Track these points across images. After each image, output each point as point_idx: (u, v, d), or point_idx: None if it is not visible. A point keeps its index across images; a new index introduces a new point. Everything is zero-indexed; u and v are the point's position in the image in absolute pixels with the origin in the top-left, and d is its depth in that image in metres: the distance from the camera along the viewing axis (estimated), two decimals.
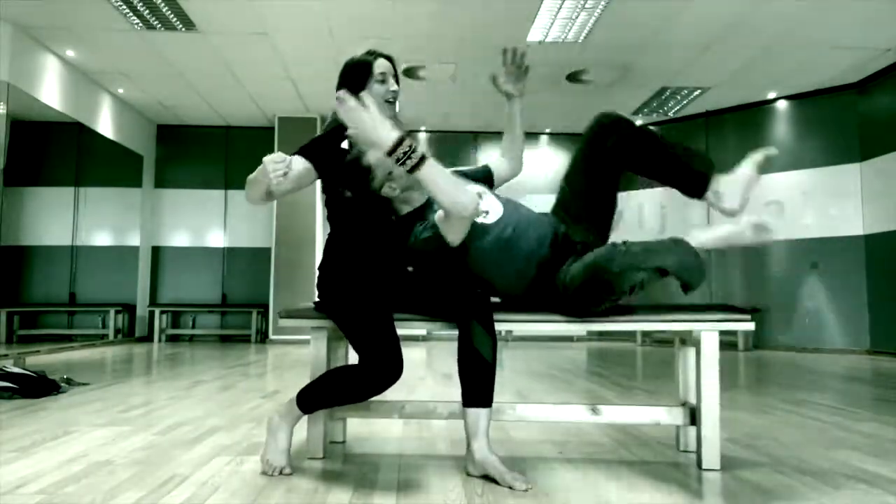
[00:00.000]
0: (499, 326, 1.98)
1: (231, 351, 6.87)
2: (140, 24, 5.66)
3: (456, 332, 1.92)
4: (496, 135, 8.90)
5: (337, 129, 2.01)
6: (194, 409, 2.99)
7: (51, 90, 6.35)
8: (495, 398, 1.88)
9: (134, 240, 8.53)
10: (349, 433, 2.38)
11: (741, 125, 7.76)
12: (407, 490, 1.69)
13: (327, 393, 1.95)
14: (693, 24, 5.59)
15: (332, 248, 2.10)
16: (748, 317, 2.00)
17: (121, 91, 7.53)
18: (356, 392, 1.91)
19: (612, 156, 1.96)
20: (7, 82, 5.67)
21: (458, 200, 1.72)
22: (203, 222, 8.94)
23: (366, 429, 2.53)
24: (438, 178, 1.71)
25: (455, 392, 1.96)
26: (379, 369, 1.84)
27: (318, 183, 2.08)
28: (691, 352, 2.08)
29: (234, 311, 8.72)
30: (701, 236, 1.85)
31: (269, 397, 3.40)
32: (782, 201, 7.37)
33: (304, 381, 2.01)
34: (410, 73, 6.84)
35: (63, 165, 8.35)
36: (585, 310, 1.96)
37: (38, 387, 3.33)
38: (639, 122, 8.47)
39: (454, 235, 1.82)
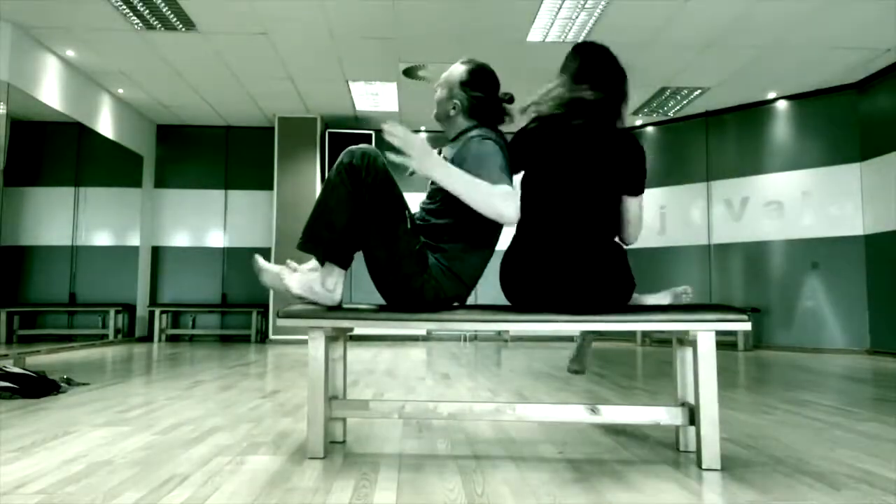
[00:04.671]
0: (498, 326, 1.98)
1: (231, 351, 6.87)
2: (140, 24, 5.67)
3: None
4: None
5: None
6: (194, 409, 2.99)
7: (51, 90, 6.35)
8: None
9: (134, 240, 8.53)
10: (349, 433, 2.38)
11: (741, 125, 7.75)
12: (407, 490, 1.69)
13: None
14: (693, 24, 5.59)
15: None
16: (744, 316, 2.00)
17: (121, 91, 7.53)
18: None
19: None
20: (7, 82, 5.66)
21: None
22: (203, 222, 8.94)
23: (366, 429, 2.53)
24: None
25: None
26: None
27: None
28: (689, 352, 2.08)
29: (234, 311, 8.73)
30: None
31: (269, 397, 3.40)
32: (782, 201, 7.38)
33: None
34: (410, 73, 6.85)
35: (63, 165, 8.35)
36: None
37: (38, 387, 3.33)
38: (639, 121, 8.48)
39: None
